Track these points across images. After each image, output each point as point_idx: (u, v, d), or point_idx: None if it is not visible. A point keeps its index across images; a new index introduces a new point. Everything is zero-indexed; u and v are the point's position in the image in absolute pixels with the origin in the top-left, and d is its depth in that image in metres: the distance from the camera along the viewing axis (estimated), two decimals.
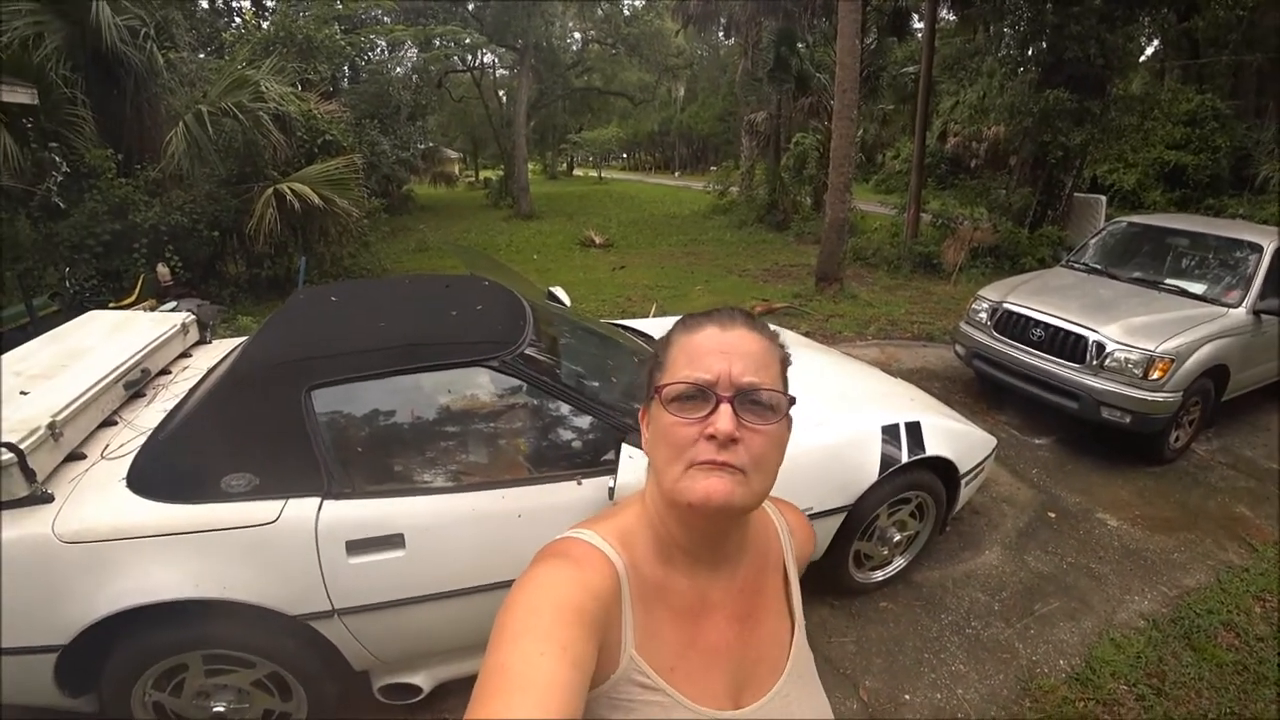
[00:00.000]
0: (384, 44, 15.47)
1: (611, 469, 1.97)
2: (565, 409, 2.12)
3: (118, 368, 2.24)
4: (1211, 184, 16.46)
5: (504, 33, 17.52)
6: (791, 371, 0.77)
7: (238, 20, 11.78)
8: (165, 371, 2.58)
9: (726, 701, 0.74)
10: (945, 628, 2.78)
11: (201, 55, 9.70)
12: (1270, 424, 5.04)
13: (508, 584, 1.98)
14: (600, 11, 21.78)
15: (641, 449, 1.95)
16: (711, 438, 0.66)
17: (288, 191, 6.74)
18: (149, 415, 2.14)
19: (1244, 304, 4.34)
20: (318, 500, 1.77)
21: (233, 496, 1.74)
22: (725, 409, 0.67)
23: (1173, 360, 3.90)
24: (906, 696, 2.43)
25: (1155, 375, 3.90)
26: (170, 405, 2.16)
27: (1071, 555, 3.32)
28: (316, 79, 9.67)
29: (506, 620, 0.62)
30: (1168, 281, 4.79)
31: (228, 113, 6.57)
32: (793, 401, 0.72)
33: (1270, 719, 2.39)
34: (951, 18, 12.32)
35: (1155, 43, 17.29)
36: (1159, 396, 3.92)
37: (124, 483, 1.77)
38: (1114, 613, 2.93)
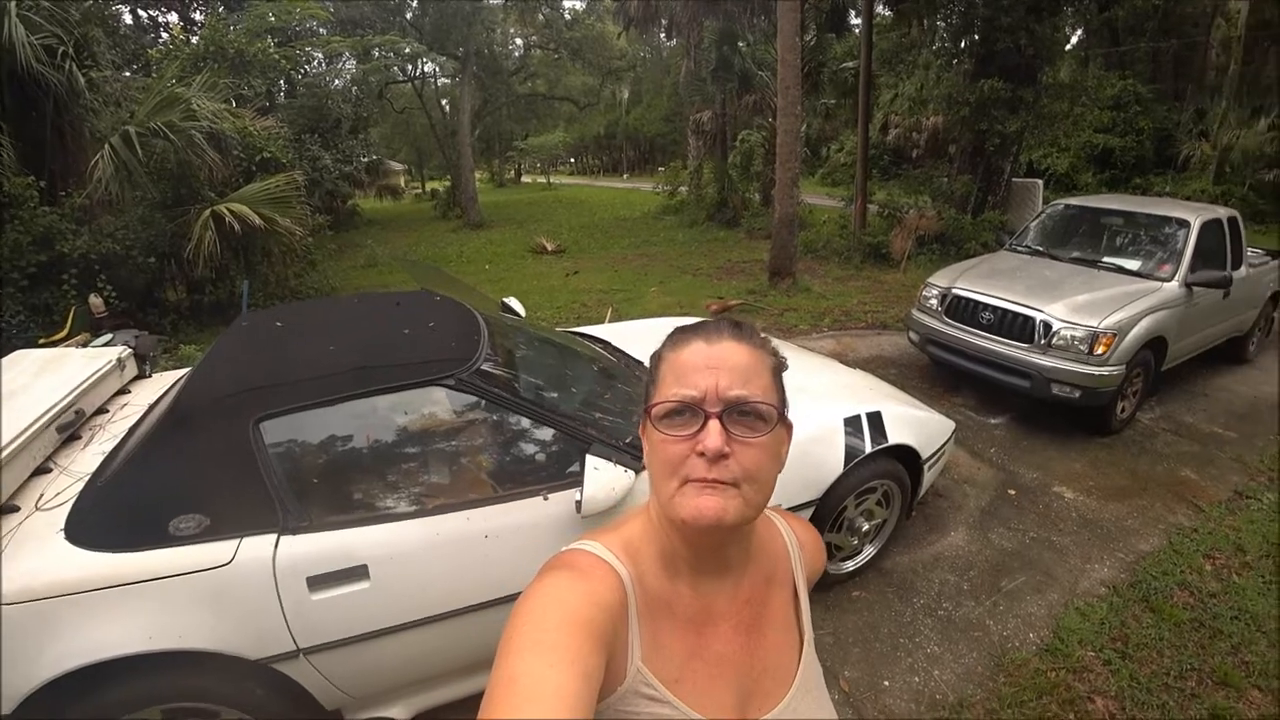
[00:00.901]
0: (320, 56, 15.09)
1: (578, 481, 1.94)
2: (526, 423, 2.08)
3: (49, 410, 2.11)
4: (1138, 164, 17.28)
5: (444, 41, 17.26)
6: None
7: (164, 36, 11.30)
8: (102, 410, 2.45)
9: (733, 712, 0.74)
10: (918, 611, 2.83)
11: (127, 74, 9.28)
12: (1207, 389, 5.29)
13: (481, 607, 1.93)
14: (541, 17, 21.63)
15: (606, 459, 1.93)
16: (703, 454, 0.67)
17: (226, 212, 6.49)
18: (86, 459, 2.02)
19: (1176, 277, 4.54)
20: (274, 537, 1.69)
21: (182, 540, 1.65)
22: (714, 425, 0.67)
23: (1115, 335, 4.06)
24: (886, 683, 2.46)
25: (1100, 350, 4.05)
26: (109, 447, 2.04)
27: (1033, 530, 3.42)
28: (251, 95, 9.36)
29: (514, 632, 0.62)
30: (1105, 260, 4.98)
31: (158, 133, 6.29)
32: (784, 410, 0.72)
33: (1227, 670, 2.49)
34: (887, 13, 12.62)
35: (1079, 32, 18.05)
36: (1104, 370, 4.07)
37: (62, 534, 1.66)
38: (1077, 582, 3.02)
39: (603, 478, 1.90)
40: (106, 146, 6.05)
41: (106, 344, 4.49)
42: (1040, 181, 11.27)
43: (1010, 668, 2.52)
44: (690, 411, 0.68)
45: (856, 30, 15.81)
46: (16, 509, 1.80)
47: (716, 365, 0.69)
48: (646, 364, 0.81)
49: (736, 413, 0.68)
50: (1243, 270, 5.10)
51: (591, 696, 0.59)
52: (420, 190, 32.53)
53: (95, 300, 5.95)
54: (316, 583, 1.69)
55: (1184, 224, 4.80)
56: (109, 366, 2.57)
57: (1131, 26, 17.98)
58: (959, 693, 2.40)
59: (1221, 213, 5.11)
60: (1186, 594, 2.93)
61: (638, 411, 0.78)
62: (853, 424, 2.72)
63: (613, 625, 0.66)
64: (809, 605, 0.88)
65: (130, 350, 2.83)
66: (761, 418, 0.69)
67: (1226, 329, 5.30)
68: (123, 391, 2.65)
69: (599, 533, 0.78)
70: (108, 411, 2.46)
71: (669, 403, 0.69)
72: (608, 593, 0.68)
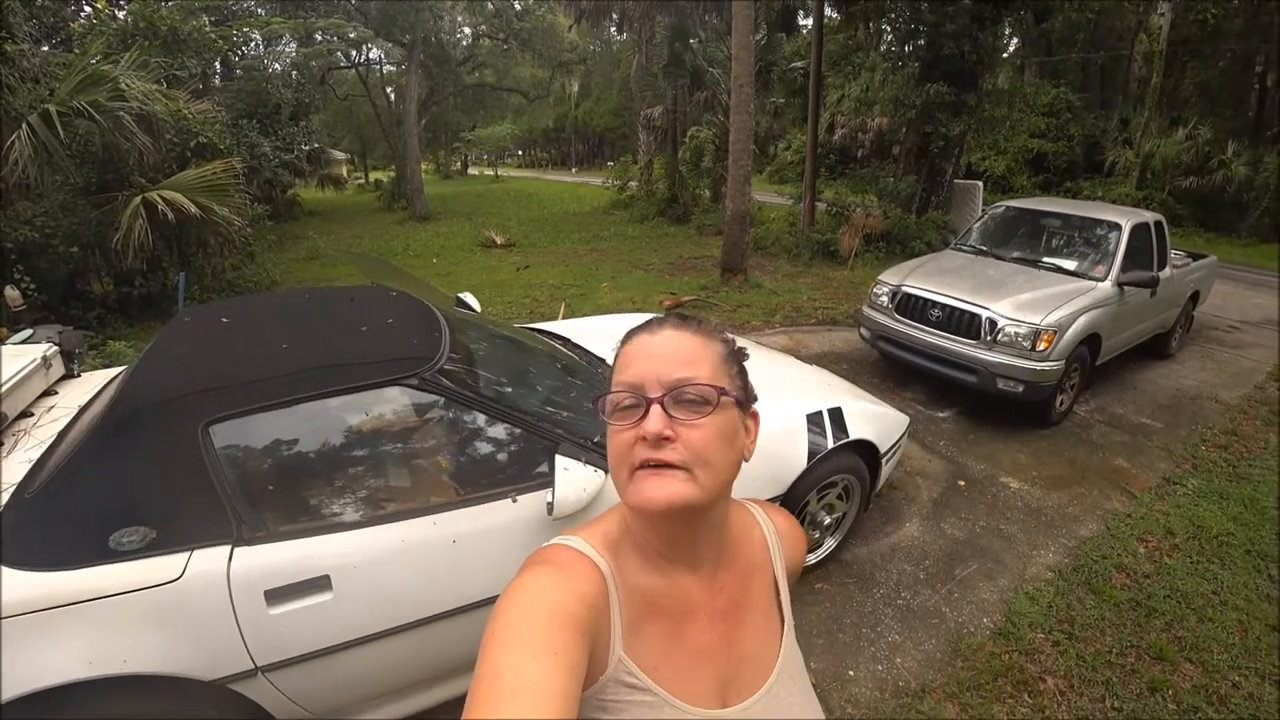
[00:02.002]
0: (259, 38, 14.41)
1: (547, 482, 1.90)
2: (492, 423, 2.02)
3: None
4: (1069, 169, 18.18)
5: (390, 27, 16.72)
6: None
7: (88, 9, 10.53)
8: (26, 414, 2.26)
9: (714, 700, 0.75)
10: (878, 601, 2.90)
11: (45, 48, 8.63)
12: (1135, 382, 5.60)
13: (448, 615, 1.86)
14: (491, 6, 21.21)
15: (575, 459, 1.89)
16: (644, 439, 0.68)
17: (159, 200, 6.10)
18: (10, 469, 1.86)
19: (1109, 277, 4.78)
20: (227, 548, 1.59)
21: (125, 555, 1.53)
22: (655, 410, 0.68)
23: (1055, 332, 4.25)
24: (850, 672, 2.51)
25: (1041, 346, 4.23)
26: (36, 454, 1.89)
27: (983, 519, 3.55)
28: (185, 76, 8.84)
29: (496, 628, 0.61)
30: (1045, 260, 5.22)
31: (81, 113, 5.84)
32: (722, 391, 0.71)
33: (1162, 646, 2.64)
34: (836, 15, 12.86)
35: (1015, 41, 18.82)
36: (1046, 365, 4.25)
37: None
38: (1025, 568, 3.15)
39: (573, 478, 1.87)
40: (24, 126, 5.59)
41: (27, 340, 4.18)
42: (980, 183, 11.72)
43: (967, 652, 2.61)
44: (634, 399, 0.70)
45: (805, 31, 16.10)
46: None
47: (655, 353, 0.72)
48: (609, 360, 0.82)
49: (679, 398, 0.69)
50: (1167, 271, 5.42)
51: (576, 688, 0.59)
52: (364, 181, 31.54)
53: (12, 293, 5.54)
54: (275, 596, 1.60)
55: (1116, 227, 5.06)
56: (33, 365, 2.37)
57: (1064, 38, 18.89)
58: (920, 679, 2.47)
59: (1149, 217, 5.41)
60: (1124, 575, 3.10)
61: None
62: (815, 420, 2.76)
63: (594, 618, 0.67)
64: (789, 594, 0.89)
65: (56, 348, 2.62)
66: (705, 400, 0.69)
67: (1153, 326, 5.63)
68: (49, 393, 2.45)
69: (579, 528, 0.78)
70: (32, 415, 2.27)
71: (612, 393, 0.71)
72: (588, 586, 0.68)
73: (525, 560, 0.72)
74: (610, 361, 0.79)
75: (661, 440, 0.67)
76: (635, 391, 0.69)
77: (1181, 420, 4.91)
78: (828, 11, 11.98)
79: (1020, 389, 4.30)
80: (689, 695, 0.72)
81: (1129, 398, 5.30)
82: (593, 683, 0.68)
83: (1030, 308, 4.39)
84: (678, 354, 0.71)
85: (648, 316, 0.86)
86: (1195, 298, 6.42)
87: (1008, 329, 4.33)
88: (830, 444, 2.74)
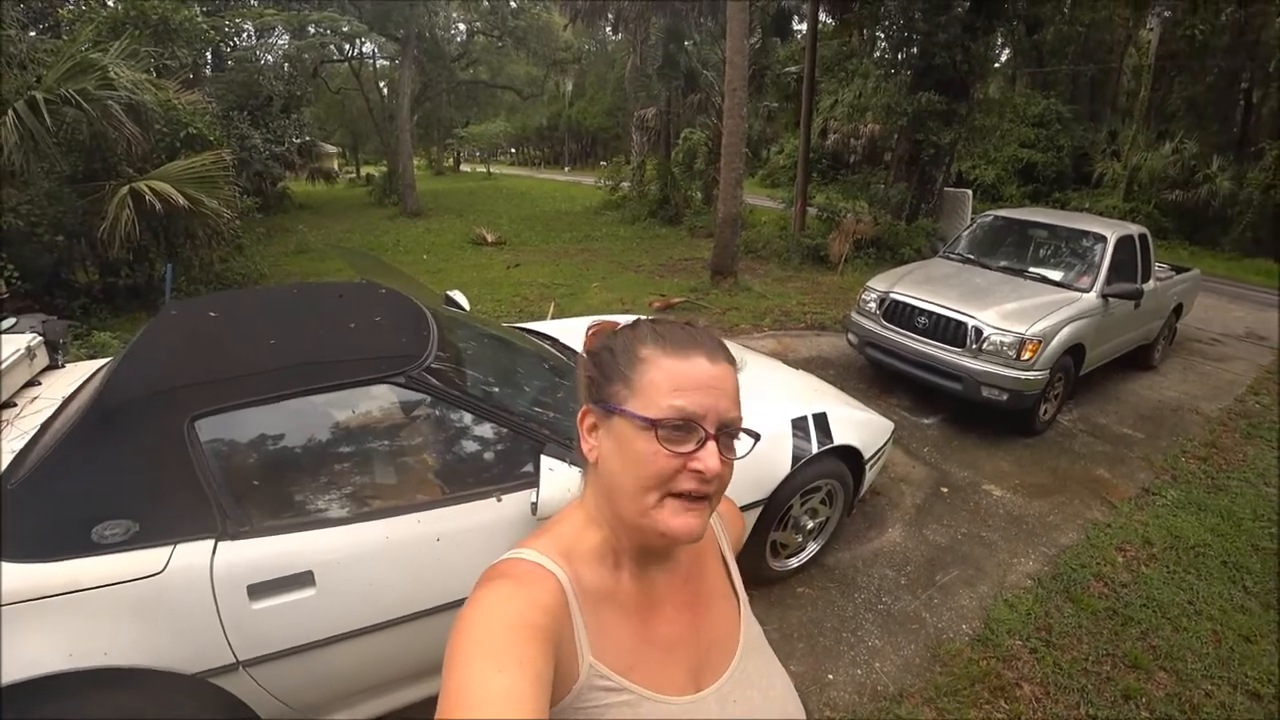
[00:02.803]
0: (251, 29, 14.30)
1: (532, 482, 1.91)
2: (478, 423, 2.02)
3: None
4: (1057, 179, 18.37)
5: (384, 21, 16.62)
6: None
7: None
8: (9, 404, 2.24)
9: (689, 687, 0.76)
10: (859, 606, 2.92)
11: (33, 34, 8.53)
12: (1118, 393, 5.68)
13: (432, 612, 1.87)
14: (486, 3, 21.16)
15: (560, 460, 1.90)
16: (696, 473, 0.69)
17: (147, 190, 6.05)
18: None
19: (1094, 288, 4.85)
20: (211, 543, 1.59)
21: (108, 548, 1.52)
22: (713, 447, 0.69)
23: (1040, 341, 4.30)
24: (830, 676, 2.53)
25: (1026, 356, 4.28)
26: (19, 445, 1.87)
27: (964, 526, 3.59)
28: (176, 66, 8.77)
29: (459, 645, 0.61)
30: (1031, 270, 5.28)
31: (69, 100, 5.78)
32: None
33: (1137, 654, 2.69)
34: (831, 21, 12.95)
35: (1006, 51, 19.01)
36: (1030, 375, 4.30)
37: None
38: (1005, 575, 3.19)
39: (558, 479, 1.87)
40: (10, 112, 5.53)
41: (10, 329, 4.13)
42: (970, 191, 11.83)
43: (945, 658, 2.64)
44: (688, 429, 0.69)
45: (799, 36, 16.19)
46: None
47: (718, 386, 0.71)
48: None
49: (726, 435, 0.71)
50: (1151, 283, 5.50)
51: (544, 699, 0.59)
52: (355, 175, 31.36)
53: None
54: (258, 591, 1.60)
55: (1101, 239, 5.13)
56: (17, 355, 2.35)
57: (1055, 49, 19.10)
58: (899, 684, 2.50)
59: (1134, 229, 5.48)
60: (1102, 584, 3.14)
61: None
62: (800, 425, 2.78)
63: (557, 627, 0.67)
64: (738, 570, 0.93)
65: (40, 337, 2.60)
66: (739, 439, 0.73)
67: (1136, 337, 5.71)
68: (32, 383, 2.43)
69: (530, 540, 0.77)
70: (15, 405, 2.25)
71: (674, 417, 0.69)
72: (548, 596, 0.68)
73: (482, 575, 0.72)
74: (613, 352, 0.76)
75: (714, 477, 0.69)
76: (697, 422, 0.69)
77: (1162, 431, 4.98)
78: (822, 17, 12.06)
79: (1004, 397, 4.35)
80: (665, 687, 0.74)
81: (1112, 408, 5.38)
82: (566, 692, 0.68)
83: (1016, 317, 4.44)
84: (733, 393, 0.73)
85: (634, 317, 0.86)
86: (1179, 310, 6.51)
87: (993, 338, 4.37)
88: (814, 449, 2.76)
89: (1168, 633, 2.84)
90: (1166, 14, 15.74)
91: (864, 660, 2.62)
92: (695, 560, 0.85)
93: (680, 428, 0.69)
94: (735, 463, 0.75)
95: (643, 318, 0.84)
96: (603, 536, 0.76)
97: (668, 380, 0.70)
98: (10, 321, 4.49)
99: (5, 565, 1.48)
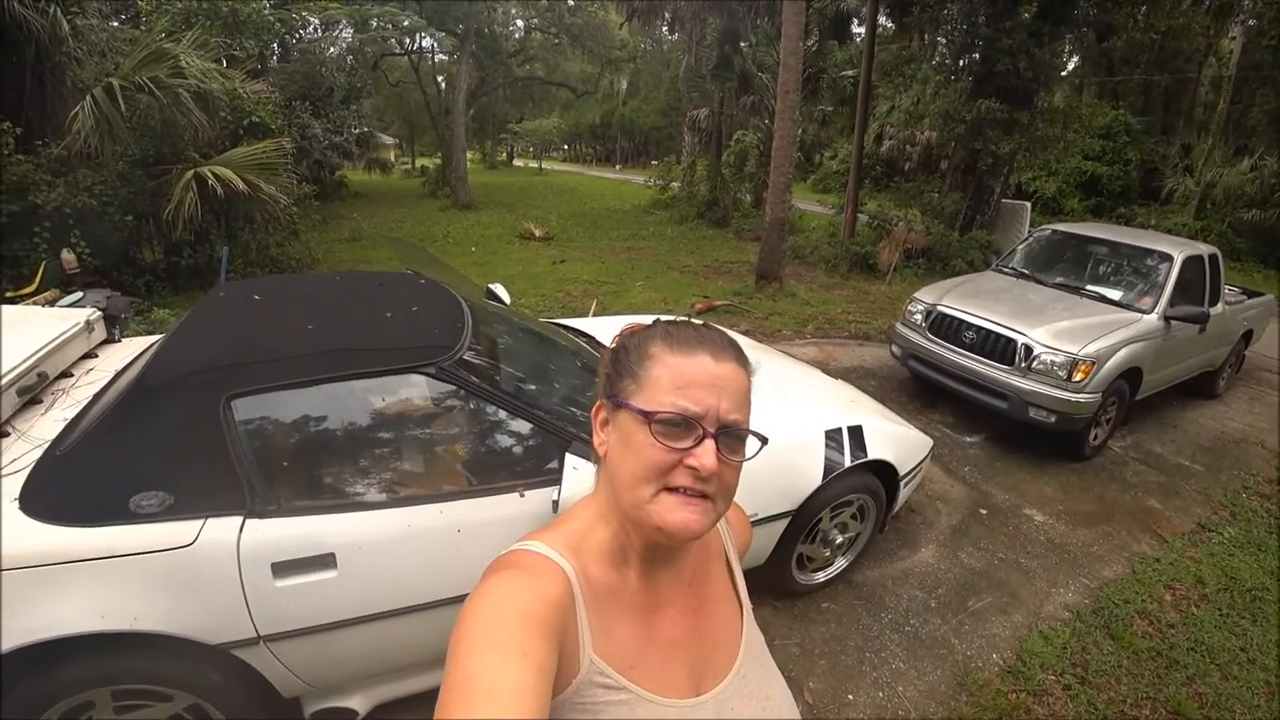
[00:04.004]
0: (316, 22, 14.76)
1: (555, 479, 1.91)
2: (506, 417, 2.03)
3: (11, 371, 2.02)
4: (1123, 194, 17.59)
5: (444, 17, 16.99)
6: None
7: None
8: (66, 374, 2.36)
9: (688, 690, 0.76)
10: (885, 626, 2.84)
11: (114, 23, 8.98)
12: (1177, 421, 5.40)
13: (448, 601, 1.89)
14: (544, 0, 21.40)
15: (585, 458, 1.90)
16: (691, 469, 0.68)
17: (210, 175, 6.31)
18: (46, 425, 1.94)
19: (1156, 310, 4.61)
20: (240, 519, 1.64)
21: (143, 517, 1.58)
22: (710, 445, 0.69)
23: (1094, 363, 4.11)
24: (850, 696, 2.47)
25: (1078, 377, 4.10)
26: (71, 414, 1.96)
27: (1002, 551, 3.45)
28: (243, 56, 9.12)
29: (464, 634, 0.62)
30: (1089, 287, 5.05)
31: (143, 88, 6.07)
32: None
33: (1181, 701, 2.54)
34: (890, 24, 12.66)
35: (1075, 59, 18.30)
36: (1081, 397, 4.12)
37: (16, 503, 1.59)
38: (1041, 605, 3.06)
39: (581, 478, 1.87)
40: (88, 97, 5.83)
41: (76, 302, 4.35)
42: (1028, 204, 11.42)
43: (973, 687, 2.54)
44: (687, 425, 0.69)
45: (858, 39, 15.89)
46: None
47: (720, 386, 0.71)
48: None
49: (728, 435, 0.70)
50: (1220, 307, 5.21)
51: (546, 690, 0.60)
52: (410, 166, 32.13)
53: (68, 256, 5.77)
54: (281, 569, 1.64)
55: (1167, 258, 4.88)
56: (76, 329, 2.47)
57: (1127, 58, 18.27)
58: (921, 710, 2.42)
59: (1203, 249, 5.21)
60: (1146, 623, 2.98)
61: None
62: (834, 436, 2.72)
63: (562, 621, 0.67)
64: (744, 577, 0.92)
65: (99, 312, 2.72)
66: (744, 442, 0.72)
67: (1200, 364, 5.41)
68: (89, 355, 2.55)
69: (540, 532, 0.78)
70: (72, 376, 2.37)
71: (670, 412, 0.69)
72: (554, 588, 0.69)
73: (489, 566, 0.73)
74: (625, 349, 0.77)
75: (710, 475, 0.69)
76: (695, 420, 0.69)
77: (1223, 464, 4.71)
78: (881, 20, 11.79)
79: (1052, 419, 4.17)
80: (664, 688, 0.73)
81: (1169, 437, 5.11)
82: (566, 686, 0.68)
83: (1069, 336, 4.26)
84: (737, 393, 0.72)
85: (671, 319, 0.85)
86: (1248, 337, 6.15)
87: (1043, 356, 4.20)
88: (848, 462, 2.70)
89: (1216, 680, 2.68)
90: (1251, 22, 14.92)
91: (886, 683, 2.55)
92: (701, 564, 0.85)
93: (677, 423, 0.69)
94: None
95: (661, 317, 0.84)
96: (611, 533, 0.76)
97: (670, 377, 0.71)
98: (77, 295, 4.75)
99: (50, 528, 1.55)
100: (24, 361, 2.10)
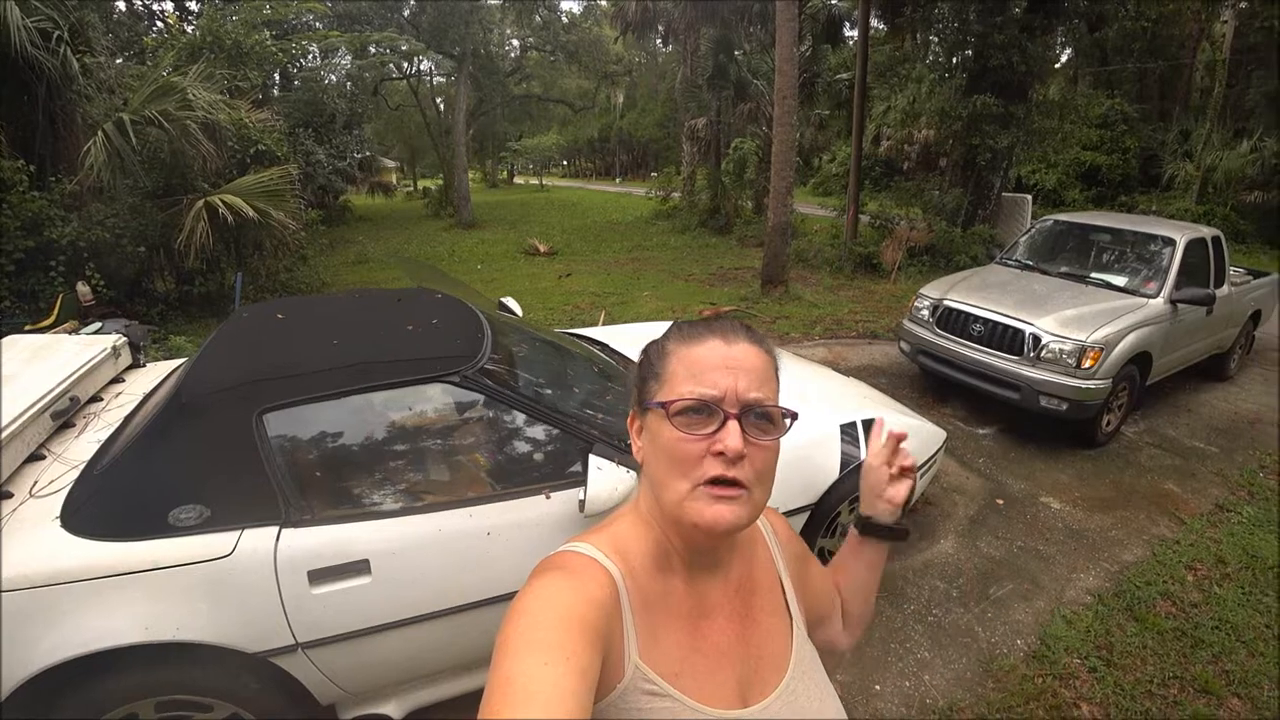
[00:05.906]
0: (317, 50, 15.00)
1: (580, 481, 1.95)
2: (529, 422, 2.08)
3: (43, 396, 2.09)
4: (1123, 182, 17.56)
5: (441, 39, 17.20)
6: None
7: (160, 25, 11.17)
8: (96, 399, 2.42)
9: (735, 701, 0.74)
10: (908, 617, 2.86)
11: (120, 60, 9.17)
12: (1189, 404, 5.39)
13: (481, 604, 1.93)
14: (539, 18, 21.61)
15: (608, 459, 1.94)
16: (719, 454, 0.68)
17: (220, 204, 6.43)
18: (80, 447, 2.00)
19: (1162, 294, 4.62)
20: (275, 529, 1.69)
21: (182, 530, 1.64)
22: (733, 425, 0.68)
23: (1102, 349, 4.13)
24: (877, 687, 2.48)
25: (1087, 364, 4.12)
26: (104, 435, 2.02)
27: (1020, 539, 3.46)
28: (247, 86, 9.28)
29: (509, 634, 0.61)
30: (1093, 275, 5.07)
31: (152, 121, 6.21)
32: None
33: (1208, 679, 2.54)
34: (882, 26, 12.76)
35: (1068, 51, 18.35)
36: (1091, 384, 4.13)
37: (58, 521, 1.65)
38: (1063, 591, 3.07)
39: (606, 478, 1.91)
40: (99, 133, 5.97)
41: (96, 332, 4.42)
42: (1029, 196, 11.43)
43: (998, 673, 2.55)
44: (708, 410, 0.69)
45: (851, 42, 16.01)
46: (10, 495, 1.77)
47: (735, 366, 0.70)
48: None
49: (753, 415, 0.69)
50: (1225, 289, 5.21)
51: (589, 693, 0.59)
52: (412, 188, 32.44)
53: (83, 288, 5.87)
54: (317, 577, 1.69)
55: (1170, 242, 4.90)
56: (103, 354, 2.54)
57: (1120, 47, 18.31)
58: (949, 698, 2.43)
59: (1206, 232, 5.22)
60: (1169, 604, 2.98)
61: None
62: (849, 431, 2.75)
63: (607, 623, 0.66)
64: (793, 588, 0.89)
65: (124, 339, 2.80)
66: (773, 421, 0.71)
67: (1209, 346, 5.41)
68: (116, 380, 2.62)
69: (587, 534, 0.78)
70: (101, 399, 2.43)
71: (687, 400, 0.69)
72: (600, 591, 0.68)
73: (536, 566, 0.72)
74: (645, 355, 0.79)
75: (738, 458, 0.67)
76: (713, 403, 0.68)
77: (1238, 445, 4.70)
78: (873, 22, 11.90)
79: (1064, 407, 4.18)
80: (711, 697, 0.72)
81: (1182, 420, 5.10)
82: (610, 690, 0.67)
83: (1076, 324, 4.27)
84: (754, 371, 0.71)
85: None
86: (1256, 317, 6.14)
87: (1051, 345, 4.22)
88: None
89: (1242, 657, 2.68)
90: (1242, 5, 14.95)
91: (912, 672, 2.56)
92: (748, 572, 0.83)
93: (697, 410, 0.69)
94: (780, 466, 0.73)
95: (681, 320, 0.85)
96: (654, 538, 0.76)
97: (684, 368, 0.72)
98: (96, 325, 4.83)
99: (92, 544, 1.60)
100: (56, 386, 2.17)
